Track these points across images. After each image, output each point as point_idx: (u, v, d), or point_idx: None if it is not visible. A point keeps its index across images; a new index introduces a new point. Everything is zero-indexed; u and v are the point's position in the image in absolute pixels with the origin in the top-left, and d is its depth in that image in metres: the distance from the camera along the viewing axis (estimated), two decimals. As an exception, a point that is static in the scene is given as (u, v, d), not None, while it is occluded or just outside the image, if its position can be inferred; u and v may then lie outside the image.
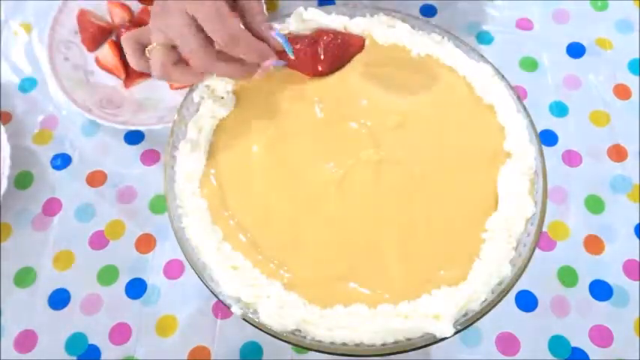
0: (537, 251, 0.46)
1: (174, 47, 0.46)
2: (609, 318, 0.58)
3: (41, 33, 0.75)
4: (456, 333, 0.43)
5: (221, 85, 0.54)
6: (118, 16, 0.75)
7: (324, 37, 0.54)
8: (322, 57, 0.54)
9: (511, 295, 0.59)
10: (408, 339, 0.43)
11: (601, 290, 0.60)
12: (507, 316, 0.59)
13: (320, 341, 0.44)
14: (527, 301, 0.59)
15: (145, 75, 0.73)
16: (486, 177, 0.50)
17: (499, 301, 0.45)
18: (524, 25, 0.76)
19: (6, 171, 0.64)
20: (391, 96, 0.54)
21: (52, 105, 0.73)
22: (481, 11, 0.77)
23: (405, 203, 0.49)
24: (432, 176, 0.50)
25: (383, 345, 0.43)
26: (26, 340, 0.59)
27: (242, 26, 0.47)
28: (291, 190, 0.49)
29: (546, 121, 0.69)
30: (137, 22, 0.74)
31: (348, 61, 0.56)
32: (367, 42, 0.57)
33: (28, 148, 0.70)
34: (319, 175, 0.50)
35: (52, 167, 0.69)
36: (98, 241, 0.64)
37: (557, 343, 0.58)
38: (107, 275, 0.62)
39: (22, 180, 0.68)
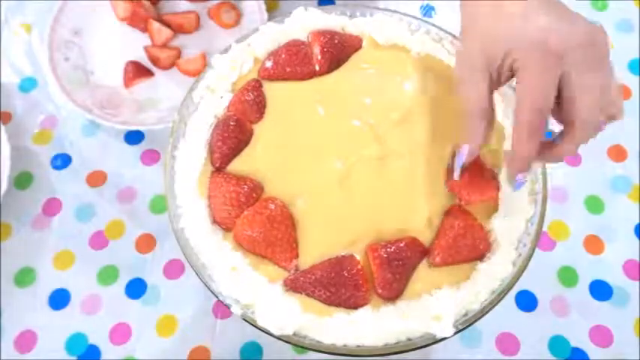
0: (537, 251, 0.46)
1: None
2: (609, 318, 0.58)
3: (41, 33, 0.75)
4: (456, 333, 0.43)
5: (221, 85, 0.54)
6: (122, 9, 0.75)
7: (321, 38, 0.54)
8: (319, 57, 0.54)
9: (511, 295, 0.59)
10: (409, 339, 0.43)
11: (601, 290, 0.60)
12: (507, 316, 0.59)
13: (320, 342, 0.44)
14: (527, 301, 0.59)
15: (145, 75, 0.73)
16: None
17: (499, 301, 0.45)
18: (524, 25, 0.76)
19: (6, 171, 0.64)
20: (392, 94, 0.54)
21: (52, 105, 0.73)
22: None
23: (406, 201, 0.49)
24: (433, 175, 0.50)
25: (384, 345, 0.43)
26: (26, 340, 0.59)
27: None
28: (294, 188, 0.49)
29: (546, 121, 0.69)
30: (134, 16, 0.74)
31: (346, 60, 0.56)
32: (367, 42, 0.57)
33: (28, 148, 0.70)
34: (322, 173, 0.50)
35: (52, 167, 0.69)
36: (98, 241, 0.64)
37: (557, 343, 0.58)
38: (107, 275, 0.62)
39: (22, 180, 0.68)
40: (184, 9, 0.77)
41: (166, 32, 0.74)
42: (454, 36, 0.56)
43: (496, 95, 0.52)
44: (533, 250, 0.46)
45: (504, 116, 0.52)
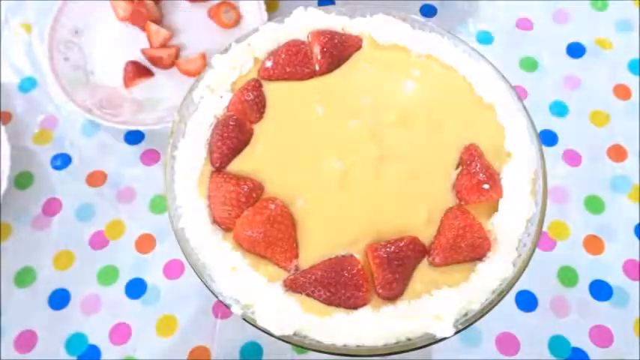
0: (537, 251, 0.46)
1: None
2: (609, 318, 0.59)
3: (41, 33, 0.76)
4: (456, 333, 0.43)
5: (221, 85, 0.54)
6: (122, 9, 0.75)
7: (321, 38, 0.54)
8: (319, 57, 0.54)
9: (511, 295, 0.59)
10: (409, 339, 0.43)
11: (601, 290, 0.60)
12: (507, 316, 0.59)
13: (320, 342, 0.44)
14: (527, 301, 0.59)
15: (145, 75, 0.73)
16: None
17: (499, 301, 0.45)
18: (524, 25, 0.76)
19: (6, 171, 0.64)
20: (392, 94, 0.54)
21: (52, 105, 0.73)
22: (481, 11, 0.77)
23: (406, 200, 0.49)
24: (433, 175, 0.50)
25: (384, 345, 0.43)
26: (26, 340, 0.59)
27: None
28: (294, 188, 0.49)
29: (546, 121, 0.69)
30: (135, 15, 0.74)
31: (346, 60, 0.56)
32: (367, 42, 0.57)
33: (28, 148, 0.70)
34: (322, 173, 0.50)
35: (52, 167, 0.69)
36: (98, 241, 0.64)
37: (557, 343, 0.58)
38: (107, 275, 0.62)
39: (22, 180, 0.68)
40: (184, 9, 0.77)
41: (164, 33, 0.74)
42: (455, 36, 0.56)
43: (495, 98, 0.52)
44: (533, 250, 0.46)
45: (504, 116, 0.52)
